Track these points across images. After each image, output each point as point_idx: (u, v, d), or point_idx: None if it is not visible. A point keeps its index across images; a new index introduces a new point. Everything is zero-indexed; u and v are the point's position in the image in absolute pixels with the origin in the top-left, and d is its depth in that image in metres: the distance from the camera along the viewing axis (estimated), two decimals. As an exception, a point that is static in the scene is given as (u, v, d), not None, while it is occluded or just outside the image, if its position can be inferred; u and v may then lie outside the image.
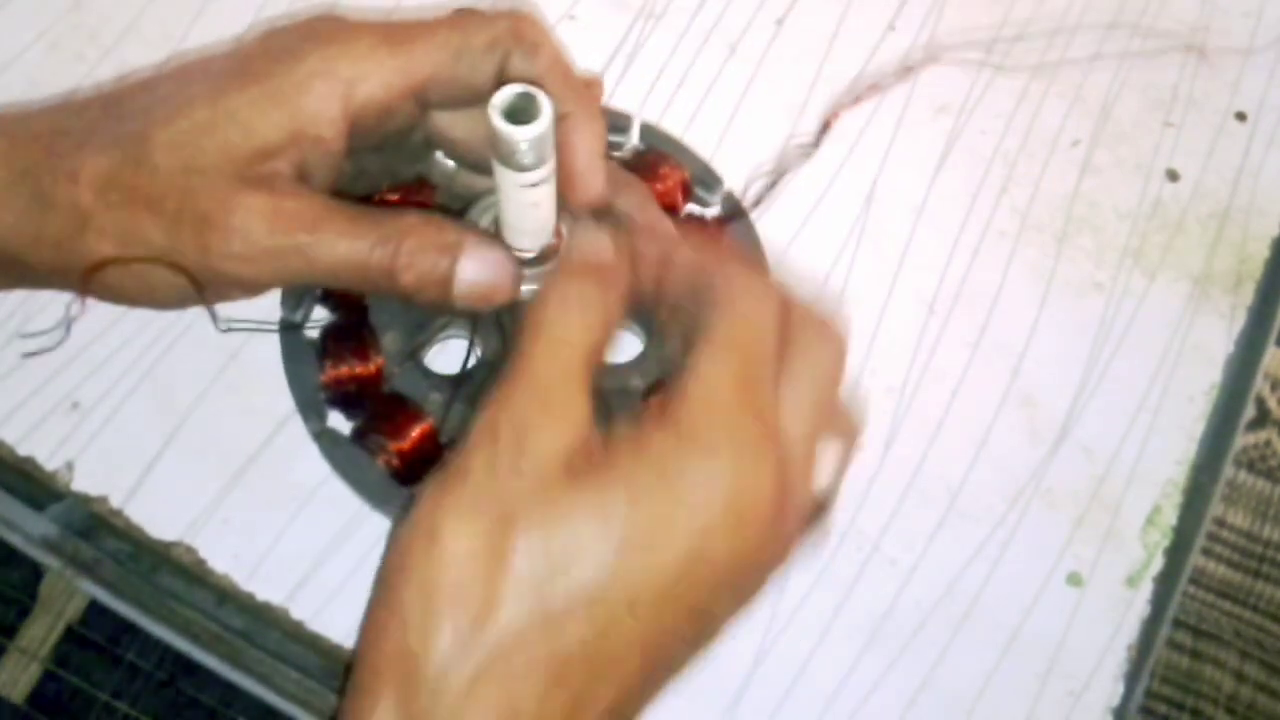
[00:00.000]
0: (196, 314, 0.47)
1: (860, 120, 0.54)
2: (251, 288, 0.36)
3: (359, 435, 0.44)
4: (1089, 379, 0.50)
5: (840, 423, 0.34)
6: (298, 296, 0.45)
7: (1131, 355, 0.50)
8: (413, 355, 0.44)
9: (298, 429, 0.45)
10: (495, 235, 0.36)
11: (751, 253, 0.48)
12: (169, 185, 0.33)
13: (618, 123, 0.49)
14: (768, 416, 0.30)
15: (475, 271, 0.34)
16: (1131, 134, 0.55)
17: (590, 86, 0.38)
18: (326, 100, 0.34)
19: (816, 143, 0.53)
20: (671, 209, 0.48)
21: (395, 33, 0.35)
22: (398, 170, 0.42)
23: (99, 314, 0.47)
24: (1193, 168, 0.55)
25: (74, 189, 0.34)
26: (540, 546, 0.28)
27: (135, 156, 0.34)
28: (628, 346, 0.45)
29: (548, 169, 0.33)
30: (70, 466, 0.45)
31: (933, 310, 0.51)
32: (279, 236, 0.33)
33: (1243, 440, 0.50)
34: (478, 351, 0.43)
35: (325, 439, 0.43)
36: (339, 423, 0.44)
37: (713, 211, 0.49)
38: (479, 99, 0.35)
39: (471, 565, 0.27)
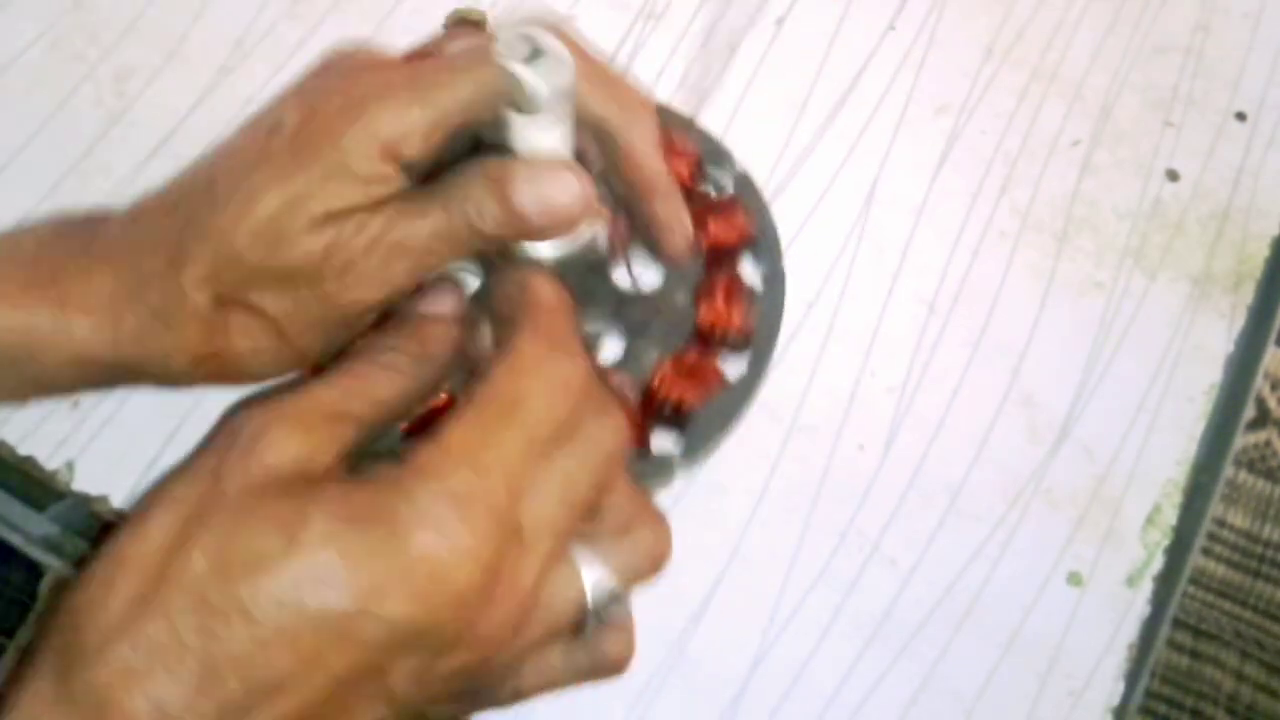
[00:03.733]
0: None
1: (860, 120, 0.54)
2: (377, 306, 0.37)
3: None
4: (1089, 379, 0.50)
5: (612, 536, 0.33)
6: None
7: (1131, 355, 0.50)
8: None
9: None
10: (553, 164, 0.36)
11: (763, 228, 0.48)
12: (271, 269, 0.35)
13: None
14: (505, 489, 0.29)
15: (530, 193, 0.35)
16: (1131, 134, 0.55)
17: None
18: (378, 163, 0.35)
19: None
20: (682, 187, 0.48)
21: (422, 83, 0.35)
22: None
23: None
24: (1193, 168, 0.55)
25: (187, 302, 0.35)
26: (217, 548, 0.28)
27: (227, 256, 0.35)
28: (611, 348, 0.45)
29: (562, 113, 0.33)
30: (70, 466, 0.45)
31: (933, 310, 0.51)
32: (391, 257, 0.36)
33: (1243, 440, 0.50)
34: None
35: None
36: None
37: (727, 189, 0.49)
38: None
39: (156, 550, 0.28)
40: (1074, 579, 0.46)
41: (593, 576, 0.32)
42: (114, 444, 0.45)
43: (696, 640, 0.44)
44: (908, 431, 0.48)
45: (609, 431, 0.32)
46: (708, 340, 0.45)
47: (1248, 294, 0.52)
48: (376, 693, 0.29)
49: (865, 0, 0.57)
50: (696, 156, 0.49)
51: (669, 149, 0.48)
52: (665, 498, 0.46)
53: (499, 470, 0.29)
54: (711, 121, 0.53)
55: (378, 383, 0.33)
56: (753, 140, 0.53)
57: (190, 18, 0.55)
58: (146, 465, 0.45)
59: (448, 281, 0.38)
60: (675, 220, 0.42)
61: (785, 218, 0.51)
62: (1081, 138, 0.55)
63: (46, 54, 0.53)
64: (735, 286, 0.46)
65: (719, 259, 0.47)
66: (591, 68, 0.38)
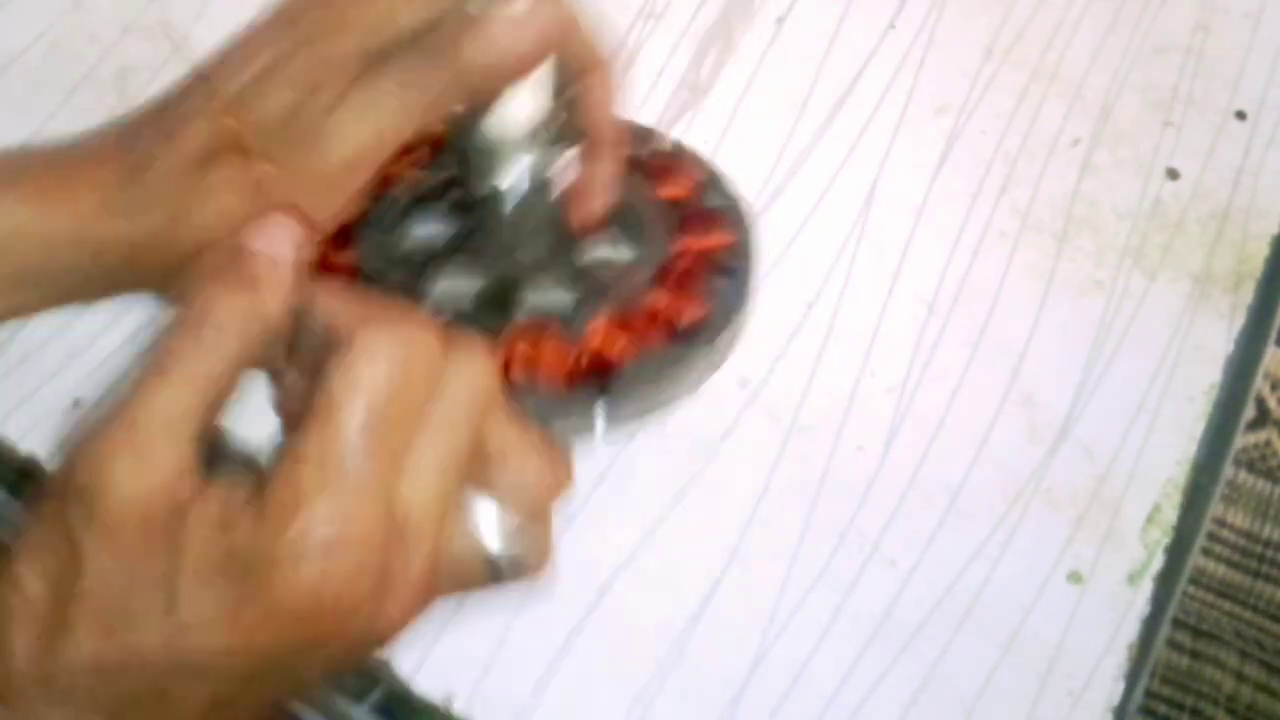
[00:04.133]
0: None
1: (860, 120, 0.54)
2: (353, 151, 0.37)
3: None
4: (1089, 379, 0.50)
5: (506, 472, 0.31)
6: None
7: (1131, 355, 0.50)
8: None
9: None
10: None
11: (741, 238, 0.48)
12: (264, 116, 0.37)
13: (638, 134, 0.49)
14: (370, 499, 0.28)
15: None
16: (1131, 134, 0.55)
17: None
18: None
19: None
20: (676, 203, 0.48)
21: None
22: None
23: (99, 312, 0.47)
24: (1193, 167, 0.55)
25: (179, 150, 0.36)
26: (98, 612, 0.28)
27: (228, 103, 0.37)
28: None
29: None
30: (70, 466, 0.45)
31: (933, 310, 0.51)
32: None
33: (1243, 440, 0.50)
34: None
35: None
36: None
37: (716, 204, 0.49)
38: None
39: (40, 601, 0.28)
40: (1074, 579, 0.46)
41: (491, 524, 0.31)
42: (114, 444, 0.45)
43: (696, 640, 0.44)
44: (907, 431, 0.48)
45: (467, 379, 0.30)
46: (656, 322, 0.45)
47: (1248, 294, 0.52)
48: (275, 688, 0.30)
49: (865, 0, 0.57)
50: (697, 181, 0.48)
51: (670, 175, 0.47)
52: (666, 498, 0.46)
53: (357, 485, 0.28)
54: (711, 121, 0.53)
55: (203, 361, 0.30)
56: (752, 140, 0.53)
57: (191, 17, 0.55)
58: (146, 465, 0.45)
59: (287, 218, 0.34)
60: (602, 176, 0.42)
61: (785, 218, 0.51)
62: (1081, 138, 0.55)
63: (46, 54, 0.53)
64: (696, 278, 0.45)
65: (691, 256, 0.46)
66: (564, 14, 0.39)
